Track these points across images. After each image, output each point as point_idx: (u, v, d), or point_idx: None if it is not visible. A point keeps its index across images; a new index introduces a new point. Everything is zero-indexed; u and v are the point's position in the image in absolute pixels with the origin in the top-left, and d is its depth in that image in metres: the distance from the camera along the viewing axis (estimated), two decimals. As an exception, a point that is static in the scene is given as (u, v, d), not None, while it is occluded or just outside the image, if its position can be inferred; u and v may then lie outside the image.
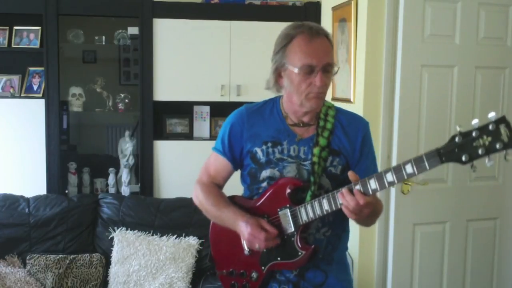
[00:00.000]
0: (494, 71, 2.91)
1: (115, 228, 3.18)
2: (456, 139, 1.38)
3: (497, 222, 3.02)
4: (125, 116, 4.00)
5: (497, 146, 1.33)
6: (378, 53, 2.81)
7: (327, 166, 1.70)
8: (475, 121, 1.36)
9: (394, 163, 2.74)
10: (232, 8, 3.61)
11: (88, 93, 3.88)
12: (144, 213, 3.24)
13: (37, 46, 3.56)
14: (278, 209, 1.68)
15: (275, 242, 1.66)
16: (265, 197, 1.72)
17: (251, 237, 1.65)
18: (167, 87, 3.58)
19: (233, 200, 1.80)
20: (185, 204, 3.24)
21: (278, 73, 1.70)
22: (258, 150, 1.74)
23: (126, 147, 3.80)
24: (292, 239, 1.66)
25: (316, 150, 1.69)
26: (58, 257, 3.07)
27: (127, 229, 3.17)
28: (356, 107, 2.92)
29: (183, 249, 3.07)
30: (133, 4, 3.51)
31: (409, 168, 1.44)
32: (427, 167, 1.42)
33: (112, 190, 3.77)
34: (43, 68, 3.51)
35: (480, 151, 1.35)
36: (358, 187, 1.53)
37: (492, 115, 1.34)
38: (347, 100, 3.05)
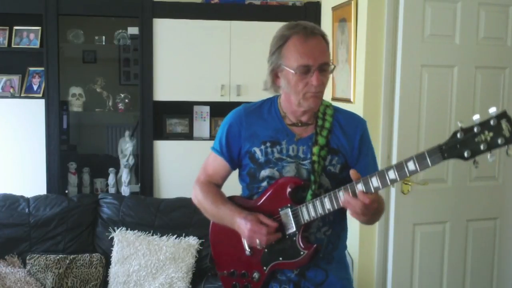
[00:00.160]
0: (494, 71, 2.91)
1: (115, 228, 3.18)
2: (458, 135, 1.37)
3: (497, 222, 3.02)
4: (125, 116, 4.00)
5: (499, 141, 1.32)
6: (378, 53, 2.81)
7: (326, 165, 1.70)
8: (476, 117, 1.35)
9: (394, 163, 2.74)
10: (232, 8, 3.61)
11: (88, 93, 3.88)
12: (144, 213, 3.24)
13: (37, 46, 3.56)
14: (279, 209, 1.67)
15: (276, 236, 1.65)
16: (265, 196, 1.72)
17: (251, 233, 1.65)
18: (167, 87, 3.58)
19: (232, 200, 1.80)
20: (185, 204, 3.24)
21: (274, 74, 1.70)
22: (257, 150, 1.74)
23: (126, 147, 3.80)
24: (294, 238, 1.66)
25: (315, 149, 1.69)
26: (58, 257, 3.07)
27: (127, 229, 3.17)
28: (356, 107, 2.92)
29: (183, 249, 3.07)
30: (133, 4, 3.51)
31: (411, 165, 1.44)
32: (430, 164, 1.41)
33: (112, 190, 3.77)
34: (43, 68, 3.51)
35: (482, 147, 1.34)
36: (360, 185, 1.53)
37: (493, 110, 1.34)
38: (347, 100, 3.05)
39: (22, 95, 3.60)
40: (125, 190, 3.72)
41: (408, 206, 2.81)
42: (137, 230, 3.16)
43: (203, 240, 3.11)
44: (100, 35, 3.85)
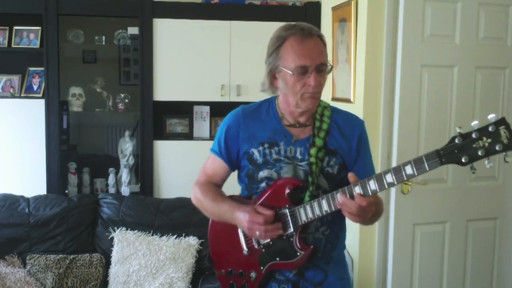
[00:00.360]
0: (494, 71, 2.91)
1: (115, 228, 3.18)
2: (456, 140, 1.38)
3: (497, 222, 3.02)
4: (125, 116, 4.00)
5: (497, 147, 1.34)
6: (378, 53, 2.81)
7: (324, 166, 1.71)
8: (475, 123, 1.36)
9: (394, 163, 2.74)
10: (232, 8, 3.62)
11: (88, 93, 3.88)
12: (144, 213, 3.24)
13: (37, 46, 3.56)
14: (277, 210, 1.68)
15: (275, 227, 1.64)
16: (264, 197, 1.72)
17: (250, 224, 1.64)
18: (167, 87, 3.58)
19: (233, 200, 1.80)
20: (185, 204, 3.24)
21: (272, 75, 1.71)
22: (255, 151, 1.74)
23: (126, 147, 3.80)
24: (291, 239, 1.66)
25: (313, 151, 1.69)
26: (58, 257, 3.07)
27: (127, 229, 3.17)
28: (356, 107, 2.92)
29: (183, 249, 3.08)
30: (133, 4, 3.51)
31: (408, 169, 1.45)
32: (427, 169, 1.43)
33: (112, 190, 3.78)
34: (43, 68, 3.51)
35: (479, 153, 1.35)
36: (357, 188, 1.53)
37: (492, 116, 1.34)
38: (347, 100, 3.05)
39: (22, 95, 3.60)
40: (125, 190, 3.72)
41: (408, 206, 2.81)
42: (137, 230, 3.16)
43: (203, 240, 3.11)
44: (100, 35, 3.85)
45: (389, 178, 1.48)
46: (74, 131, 4.05)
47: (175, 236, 3.15)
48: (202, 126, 3.79)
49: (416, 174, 1.45)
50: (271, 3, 3.70)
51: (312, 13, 3.63)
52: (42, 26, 3.48)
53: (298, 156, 1.71)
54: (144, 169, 3.62)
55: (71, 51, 3.96)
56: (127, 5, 3.52)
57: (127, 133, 3.82)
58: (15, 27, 3.57)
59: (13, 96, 3.57)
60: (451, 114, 2.83)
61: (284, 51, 1.65)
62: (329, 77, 1.72)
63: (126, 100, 3.86)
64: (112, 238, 3.15)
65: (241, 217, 1.67)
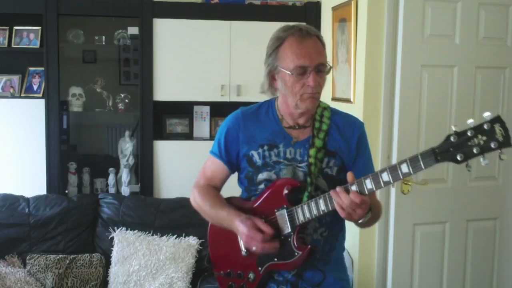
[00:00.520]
0: (494, 71, 2.90)
1: (115, 228, 3.18)
2: (451, 139, 1.39)
3: (497, 222, 3.02)
4: (125, 116, 4.00)
5: (492, 145, 1.34)
6: (378, 53, 2.81)
7: (323, 167, 1.70)
8: (470, 121, 1.36)
9: (394, 163, 2.74)
10: (232, 8, 3.62)
11: (88, 93, 3.88)
12: (144, 213, 3.24)
13: (37, 46, 3.56)
14: (275, 210, 1.68)
15: (273, 246, 1.64)
16: (262, 198, 1.72)
17: (249, 239, 1.65)
18: (167, 87, 3.59)
19: (230, 202, 1.80)
20: (185, 204, 3.22)
21: (271, 76, 1.71)
22: (255, 153, 1.74)
23: (126, 147, 3.80)
24: (289, 239, 1.66)
25: (312, 152, 1.69)
26: (58, 257, 3.07)
27: (127, 229, 3.17)
28: (356, 107, 2.92)
29: (183, 249, 3.07)
30: (133, 4, 3.51)
31: (404, 168, 1.45)
32: (423, 167, 1.43)
33: (112, 190, 3.78)
34: (43, 68, 3.51)
35: (475, 150, 1.35)
36: (354, 187, 1.53)
37: (487, 114, 1.34)
38: (347, 100, 3.05)
39: (22, 95, 3.60)
40: (125, 190, 3.72)
41: (408, 206, 2.81)
42: (137, 230, 3.16)
43: (203, 240, 3.11)
44: (100, 35, 3.85)
45: (385, 176, 1.49)
46: (74, 131, 4.05)
47: (175, 236, 3.15)
48: (202, 126, 3.79)
49: (412, 173, 1.45)
50: (271, 3, 3.70)
51: (312, 13, 3.63)
52: (42, 26, 3.48)
53: (298, 157, 1.71)
54: (144, 169, 3.62)
55: (71, 51, 3.96)
56: (127, 5, 3.52)
57: (127, 133, 3.82)
58: (15, 27, 3.57)
59: (13, 96, 3.57)
60: (451, 114, 2.83)
61: (282, 51, 1.65)
62: (329, 77, 1.72)
63: (126, 100, 3.86)
64: (112, 238, 3.15)
65: (240, 228, 1.67)
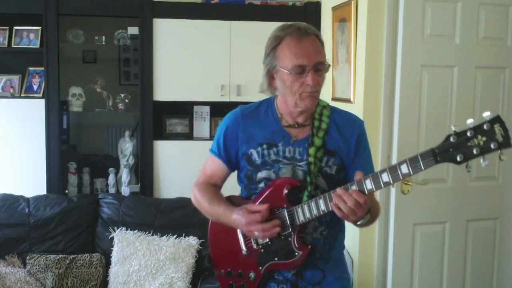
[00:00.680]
0: (494, 71, 2.90)
1: (115, 228, 3.18)
2: (451, 139, 1.38)
3: (497, 222, 3.02)
4: (125, 116, 4.00)
5: (492, 146, 1.33)
6: (378, 53, 2.81)
7: (322, 166, 1.70)
8: (470, 121, 1.36)
9: (393, 163, 2.74)
10: (232, 8, 3.61)
11: (88, 93, 3.88)
12: (144, 213, 3.25)
13: (37, 46, 3.56)
14: (276, 210, 1.68)
15: (273, 224, 1.62)
16: (262, 197, 1.72)
17: (247, 225, 1.64)
18: (167, 87, 3.58)
19: (230, 200, 1.80)
20: (185, 204, 3.24)
21: (270, 76, 1.71)
22: (254, 152, 1.74)
23: (126, 147, 3.80)
24: (289, 239, 1.66)
25: (311, 150, 1.69)
26: (58, 257, 3.07)
27: (127, 229, 3.17)
28: (356, 107, 2.92)
29: (183, 249, 3.08)
30: (133, 4, 3.51)
31: (404, 168, 1.45)
32: (422, 167, 1.42)
33: (112, 190, 3.77)
34: (43, 68, 3.51)
35: (474, 151, 1.35)
36: (354, 187, 1.53)
37: (487, 114, 1.34)
38: (347, 100, 3.05)
39: (22, 95, 3.60)
40: (125, 190, 3.72)
41: (408, 206, 2.81)
42: (137, 230, 3.16)
43: (203, 240, 3.11)
44: (100, 35, 3.85)
45: (385, 177, 1.48)
46: (74, 131, 4.05)
47: (175, 236, 3.15)
48: (202, 126, 3.79)
49: (411, 173, 1.44)
50: (271, 3, 3.70)
51: (312, 13, 3.63)
52: (42, 26, 3.48)
53: (297, 156, 1.71)
54: (144, 169, 3.62)
55: (71, 51, 3.96)
56: (127, 5, 3.52)
57: (127, 133, 3.82)
58: (15, 27, 3.57)
59: (13, 96, 3.57)
60: (451, 114, 2.83)
61: (280, 51, 1.65)
62: (329, 77, 1.72)
63: (126, 100, 3.86)
64: (112, 238, 3.15)
65: (238, 220, 1.67)
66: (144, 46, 3.54)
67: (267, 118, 1.77)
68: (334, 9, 3.29)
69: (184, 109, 3.80)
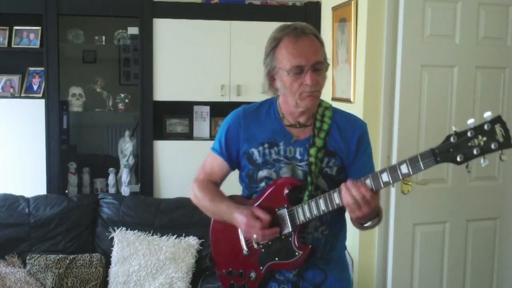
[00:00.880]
0: (494, 71, 2.90)
1: (115, 228, 3.18)
2: (451, 139, 1.38)
3: (497, 222, 3.02)
4: (125, 116, 4.00)
5: (492, 146, 1.32)
6: (378, 53, 2.81)
7: (323, 167, 1.70)
8: (470, 121, 1.35)
9: (393, 163, 2.74)
10: (232, 8, 3.61)
11: (88, 93, 3.88)
12: (144, 213, 3.25)
13: (37, 46, 3.56)
14: (276, 209, 1.68)
15: (272, 231, 1.64)
16: (263, 197, 1.72)
17: (247, 228, 1.66)
18: (167, 87, 3.58)
19: (232, 199, 1.80)
20: (185, 204, 3.24)
21: (271, 77, 1.71)
22: (255, 151, 1.75)
23: (126, 147, 3.80)
24: (290, 239, 1.66)
25: (312, 151, 1.69)
26: (58, 257, 3.07)
27: (127, 229, 3.17)
28: (356, 107, 2.92)
29: (183, 249, 3.08)
30: (133, 4, 3.51)
31: (404, 169, 1.44)
32: (422, 167, 1.42)
33: (112, 190, 3.77)
34: (43, 68, 3.51)
35: (475, 151, 1.35)
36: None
37: (487, 114, 1.33)
38: (347, 100, 3.05)
39: (22, 95, 3.60)
40: (125, 190, 3.72)
41: (408, 206, 2.81)
42: (137, 230, 3.16)
43: (203, 240, 3.11)
44: (100, 35, 3.85)
45: (385, 177, 1.48)
46: (74, 131, 4.05)
47: (175, 236, 3.15)
48: (202, 126, 3.78)
49: (411, 173, 1.44)
50: (271, 3, 3.70)
51: (312, 13, 3.63)
52: (42, 26, 3.48)
53: (298, 156, 1.72)
54: (144, 169, 3.62)
55: (71, 51, 3.96)
56: (127, 5, 3.52)
57: (127, 133, 3.82)
58: (15, 27, 3.57)
59: (13, 96, 3.57)
60: (451, 114, 2.83)
61: (279, 52, 1.65)
62: (329, 77, 1.71)
63: (126, 100, 3.86)
64: (112, 238, 3.15)
65: (239, 220, 1.68)
66: (144, 46, 3.54)
67: (269, 118, 1.77)
68: (334, 9, 3.29)
69: (184, 109, 3.79)
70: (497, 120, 1.33)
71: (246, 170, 1.77)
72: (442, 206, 2.88)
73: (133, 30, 3.66)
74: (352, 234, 2.82)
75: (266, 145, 1.73)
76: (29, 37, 3.58)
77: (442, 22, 2.77)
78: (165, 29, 3.54)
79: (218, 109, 3.74)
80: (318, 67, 1.64)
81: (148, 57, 3.54)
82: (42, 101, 3.51)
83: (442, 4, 2.76)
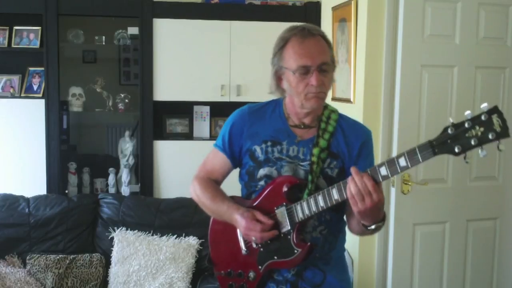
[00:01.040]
0: (494, 71, 2.90)
1: (115, 228, 3.18)
2: (449, 131, 1.37)
3: (497, 222, 3.02)
4: (125, 116, 4.00)
5: (490, 136, 1.32)
6: (378, 53, 2.81)
7: (324, 168, 1.71)
8: (467, 112, 1.35)
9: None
10: (232, 8, 3.62)
11: (88, 93, 3.88)
12: (144, 213, 3.24)
13: (37, 46, 3.56)
14: (275, 208, 1.68)
15: (270, 234, 1.65)
16: (262, 196, 1.73)
17: (247, 230, 1.66)
18: (167, 87, 3.59)
19: (233, 200, 1.80)
20: (185, 204, 3.24)
21: (278, 77, 1.72)
22: (257, 148, 1.75)
23: (126, 147, 3.80)
24: (289, 237, 1.66)
25: (315, 151, 1.69)
26: (58, 257, 3.07)
27: (127, 229, 3.17)
28: (356, 107, 2.92)
29: (183, 249, 3.07)
30: (133, 4, 3.51)
31: (402, 161, 1.43)
32: (420, 160, 1.41)
33: (112, 190, 3.78)
34: (43, 68, 3.51)
35: (472, 142, 1.34)
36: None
37: (484, 105, 1.33)
38: (347, 100, 3.05)
39: (22, 95, 3.60)
40: (125, 190, 3.72)
41: (408, 206, 2.81)
42: (137, 230, 3.16)
43: (203, 240, 3.11)
44: (100, 35, 3.85)
45: (383, 171, 1.47)
46: (74, 131, 4.05)
47: (175, 236, 3.15)
48: (202, 126, 3.79)
49: (409, 166, 1.43)
50: (271, 3, 3.70)
51: (312, 13, 3.63)
52: (42, 26, 3.48)
53: (300, 156, 1.72)
54: (144, 169, 3.62)
55: (71, 51, 3.97)
56: (127, 5, 3.52)
57: (127, 133, 3.82)
58: (15, 27, 3.58)
59: (13, 96, 3.57)
60: (451, 114, 2.83)
61: (286, 52, 1.66)
62: (332, 76, 1.70)
63: (126, 100, 3.86)
64: (112, 238, 3.15)
65: (239, 222, 1.68)
66: (144, 46, 3.54)
67: (274, 117, 1.78)
68: (334, 9, 3.29)
69: (184, 109, 3.80)
70: (494, 110, 1.33)
71: (247, 167, 1.78)
72: (442, 206, 2.88)
73: (133, 30, 3.66)
74: (352, 234, 2.82)
75: (269, 143, 1.74)
76: (29, 37, 3.58)
77: (442, 22, 2.77)
78: (165, 29, 3.54)
79: (218, 109, 3.74)
80: (324, 68, 1.65)
81: (148, 57, 3.54)
82: (42, 101, 3.51)
83: (442, 4, 2.76)
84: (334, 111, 1.79)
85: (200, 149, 3.42)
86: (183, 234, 3.16)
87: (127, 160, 3.78)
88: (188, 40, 3.57)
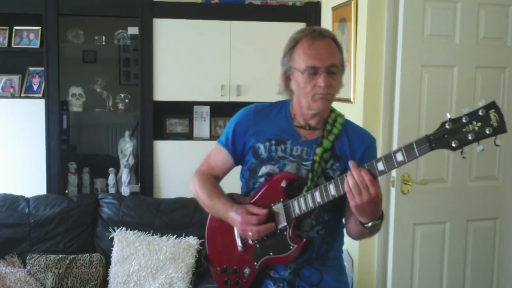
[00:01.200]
0: (494, 71, 2.90)
1: (115, 228, 3.18)
2: (446, 125, 1.38)
3: (497, 222, 3.02)
4: (125, 116, 4.00)
5: (487, 131, 1.33)
6: (378, 53, 2.81)
7: (326, 168, 1.71)
8: (465, 108, 1.36)
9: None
10: (232, 8, 3.62)
11: (88, 93, 3.88)
12: (144, 213, 3.24)
13: (37, 46, 3.56)
14: (272, 204, 1.68)
15: (267, 227, 1.65)
16: (260, 192, 1.73)
17: (243, 225, 1.66)
18: (167, 87, 3.59)
19: (231, 197, 1.81)
20: (185, 204, 3.24)
21: (287, 77, 1.73)
22: (261, 146, 1.76)
23: (126, 147, 3.80)
24: (285, 233, 1.67)
25: (318, 150, 1.70)
26: (58, 257, 3.07)
27: (127, 229, 3.17)
28: (356, 107, 2.92)
29: (183, 249, 3.08)
30: (133, 4, 3.51)
31: (399, 156, 1.44)
32: (417, 154, 1.42)
33: (112, 190, 3.78)
34: (43, 68, 3.51)
35: (469, 137, 1.35)
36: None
37: (482, 101, 1.34)
38: (347, 100, 3.05)
39: (22, 95, 3.60)
40: (125, 190, 3.72)
41: (408, 206, 2.81)
42: (137, 230, 3.16)
43: (203, 240, 3.10)
44: (100, 35, 3.85)
45: (380, 166, 1.47)
46: (74, 131, 4.05)
47: (175, 236, 3.15)
48: (202, 126, 3.79)
49: (406, 161, 1.43)
50: (271, 3, 3.70)
51: (312, 13, 3.63)
52: (42, 26, 3.48)
53: (304, 156, 1.72)
54: (144, 169, 3.62)
55: (71, 51, 3.97)
56: (127, 5, 3.53)
57: (127, 133, 3.82)
58: (15, 27, 3.58)
59: (13, 96, 3.57)
60: (451, 114, 2.82)
61: (295, 52, 1.67)
62: (341, 79, 1.71)
63: (126, 100, 3.86)
64: (112, 238, 3.15)
65: (235, 218, 1.69)
66: (144, 46, 3.54)
67: (280, 117, 1.79)
68: (334, 9, 3.29)
69: (184, 109, 3.80)
70: (491, 106, 1.34)
71: (249, 164, 1.78)
72: (442, 206, 2.88)
73: (133, 30, 3.66)
74: (352, 234, 2.82)
75: (273, 142, 1.75)
76: (29, 37, 3.58)
77: (442, 22, 2.77)
78: (165, 29, 3.55)
79: (218, 109, 3.74)
80: (333, 70, 1.66)
81: (148, 57, 3.54)
82: (42, 101, 3.51)
83: (442, 4, 2.76)
84: (340, 115, 1.80)
85: (200, 149, 3.40)
86: (183, 234, 3.16)
87: (127, 160, 3.78)
88: (188, 40, 3.57)
